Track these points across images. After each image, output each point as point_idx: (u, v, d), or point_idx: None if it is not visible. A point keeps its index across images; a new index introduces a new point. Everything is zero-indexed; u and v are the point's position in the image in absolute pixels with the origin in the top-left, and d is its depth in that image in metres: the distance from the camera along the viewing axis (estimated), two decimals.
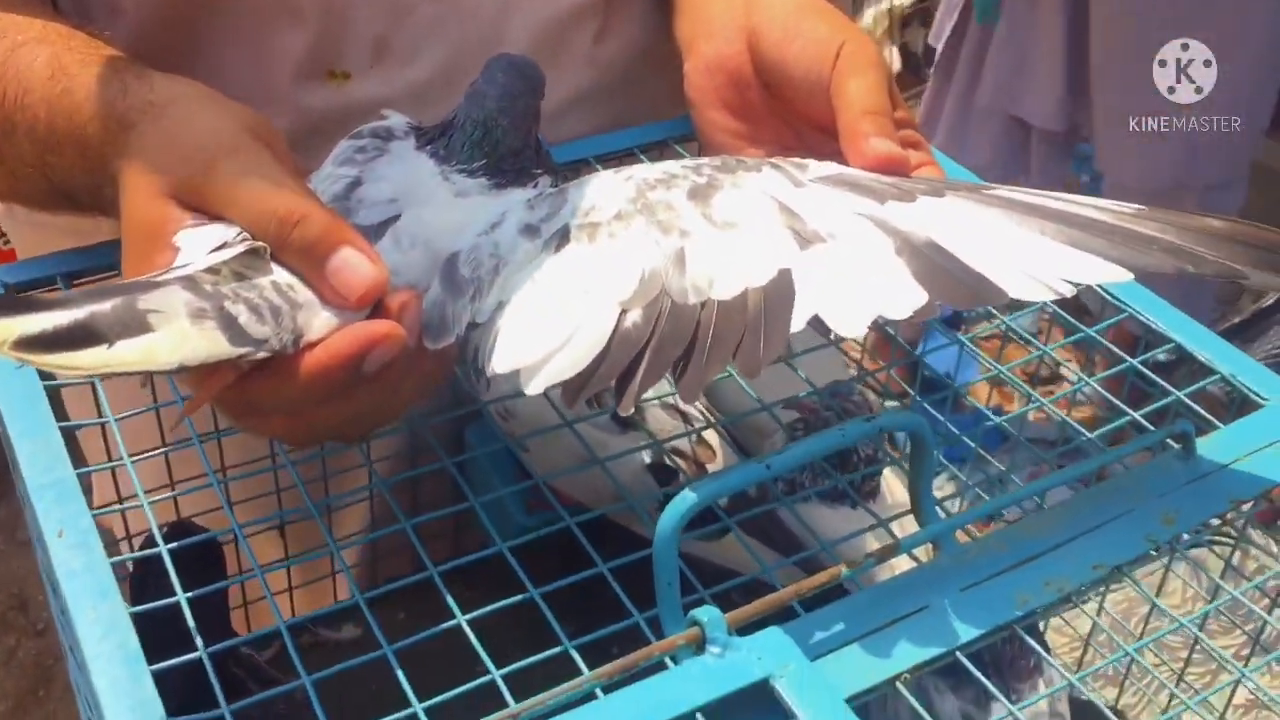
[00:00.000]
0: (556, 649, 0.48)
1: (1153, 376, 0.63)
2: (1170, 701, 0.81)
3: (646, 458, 0.69)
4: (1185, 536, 0.53)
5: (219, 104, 0.56)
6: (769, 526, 0.70)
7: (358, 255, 0.49)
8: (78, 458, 0.54)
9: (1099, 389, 0.63)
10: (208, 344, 0.45)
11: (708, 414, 0.74)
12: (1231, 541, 0.74)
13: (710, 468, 0.70)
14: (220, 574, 0.78)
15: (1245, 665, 0.74)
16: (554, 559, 0.55)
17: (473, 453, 0.75)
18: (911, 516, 0.52)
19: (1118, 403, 0.61)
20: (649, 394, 0.69)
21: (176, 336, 0.45)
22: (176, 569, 0.54)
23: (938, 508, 0.55)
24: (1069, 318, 0.68)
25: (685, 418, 0.71)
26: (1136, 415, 0.60)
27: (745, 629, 0.46)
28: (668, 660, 0.45)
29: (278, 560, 0.75)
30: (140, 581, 0.68)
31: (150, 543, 0.53)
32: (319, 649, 0.77)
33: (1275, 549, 0.98)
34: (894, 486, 0.73)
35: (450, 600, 0.50)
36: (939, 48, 1.94)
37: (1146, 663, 0.80)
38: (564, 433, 0.65)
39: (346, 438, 0.54)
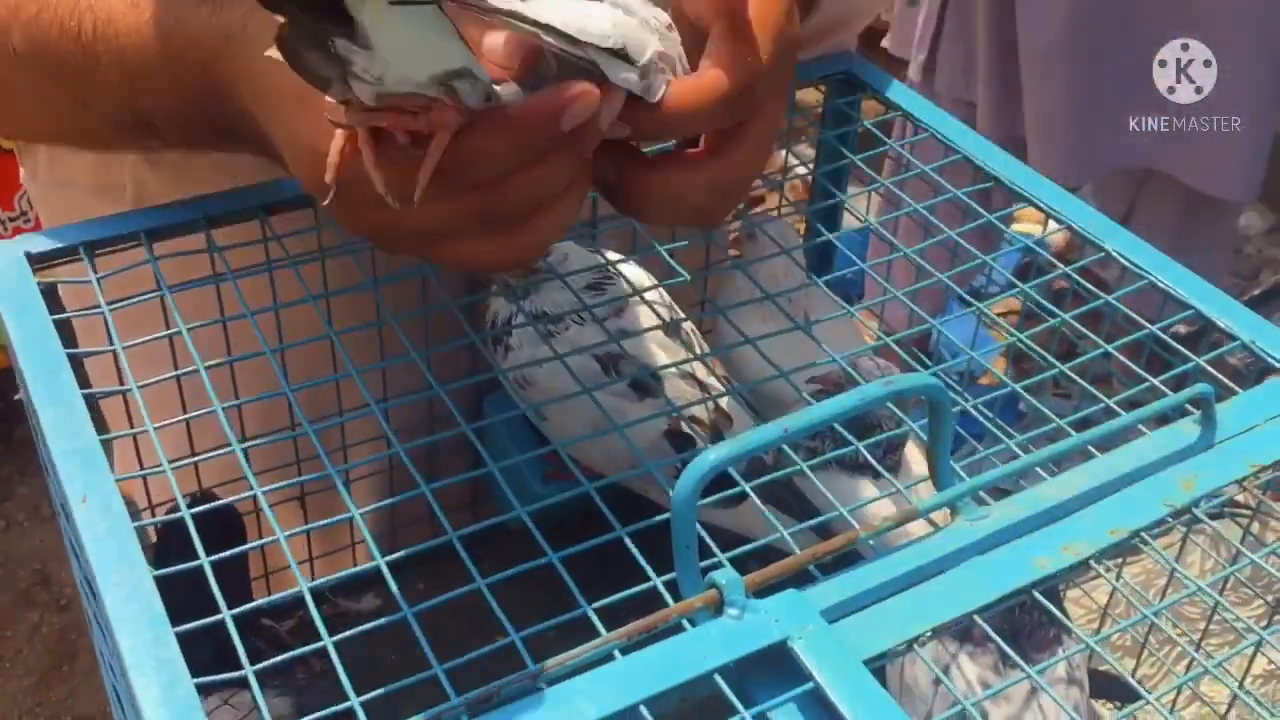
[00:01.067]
0: (576, 612, 0.48)
1: (1172, 343, 0.62)
2: (1190, 666, 0.81)
3: (664, 425, 0.69)
4: (1203, 505, 0.53)
5: None
6: (787, 494, 0.70)
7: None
8: (101, 428, 0.55)
9: (1118, 356, 0.63)
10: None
11: (726, 383, 0.74)
12: (1250, 511, 0.74)
13: (727, 435, 0.71)
14: (241, 542, 0.79)
15: (1267, 627, 0.74)
16: (572, 527, 0.55)
17: (490, 420, 0.76)
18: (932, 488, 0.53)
19: (1136, 369, 0.61)
20: (666, 362, 0.70)
21: None
22: (199, 537, 0.54)
23: (956, 473, 0.55)
24: (1089, 285, 0.68)
25: (703, 386, 0.71)
26: (1155, 381, 0.60)
27: (763, 593, 0.46)
28: (685, 623, 0.46)
29: (298, 528, 0.76)
30: (163, 550, 0.69)
31: (173, 511, 0.54)
32: (340, 619, 0.77)
33: None
34: (916, 459, 0.73)
35: (470, 564, 0.50)
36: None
37: (1165, 627, 0.80)
38: (581, 400, 0.66)
39: (521, 247, 0.51)
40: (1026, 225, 1.10)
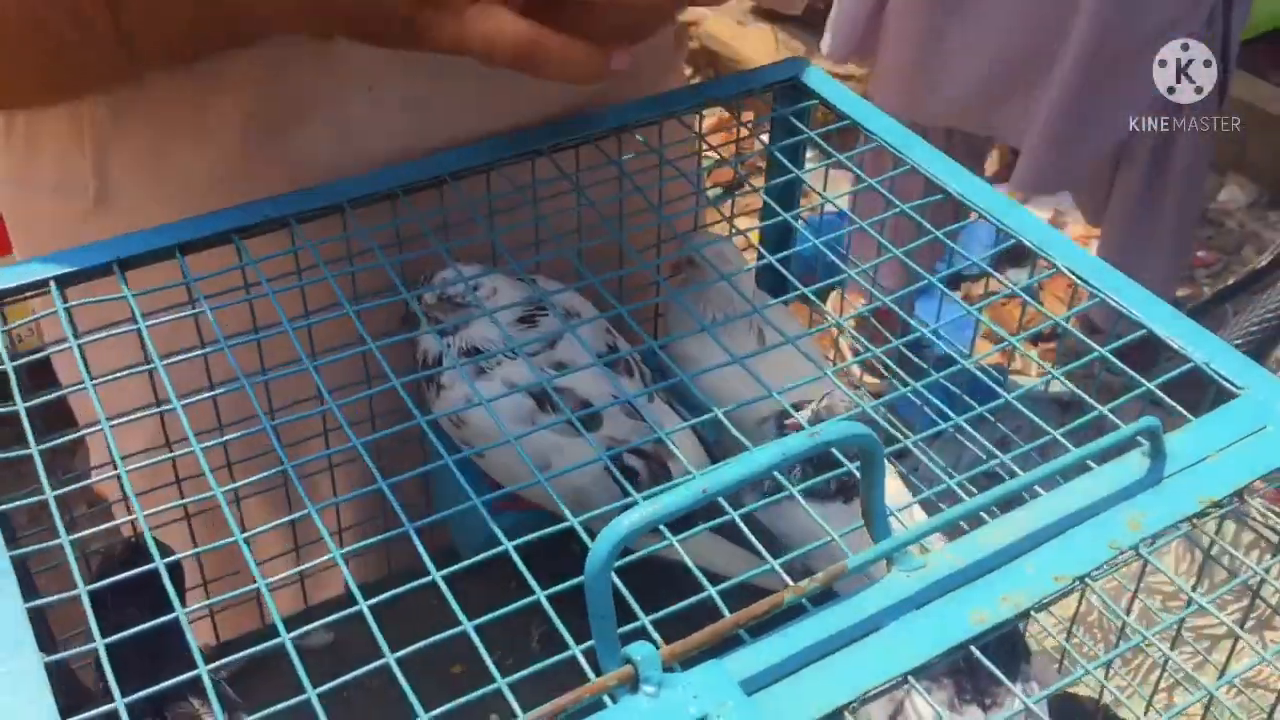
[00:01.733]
0: (491, 687, 0.46)
1: (1120, 366, 0.60)
2: (1161, 677, 0.79)
3: (605, 459, 0.67)
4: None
5: None
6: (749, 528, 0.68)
7: None
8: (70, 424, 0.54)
9: (1065, 382, 0.61)
10: None
11: (672, 410, 0.72)
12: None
13: (671, 466, 0.68)
14: (180, 586, 0.77)
15: (1238, 641, 0.72)
16: (540, 553, 0.54)
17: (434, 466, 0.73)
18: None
19: (1085, 397, 0.59)
20: (607, 394, 0.67)
21: None
22: (133, 588, 0.53)
23: (893, 516, 0.53)
24: (1038, 305, 0.65)
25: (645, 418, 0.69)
26: (1104, 410, 0.58)
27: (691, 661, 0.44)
28: (607, 699, 0.43)
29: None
30: (99, 598, 0.68)
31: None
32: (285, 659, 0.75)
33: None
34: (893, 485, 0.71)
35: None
36: None
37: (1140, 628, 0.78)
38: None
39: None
40: None
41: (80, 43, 0.62)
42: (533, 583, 0.50)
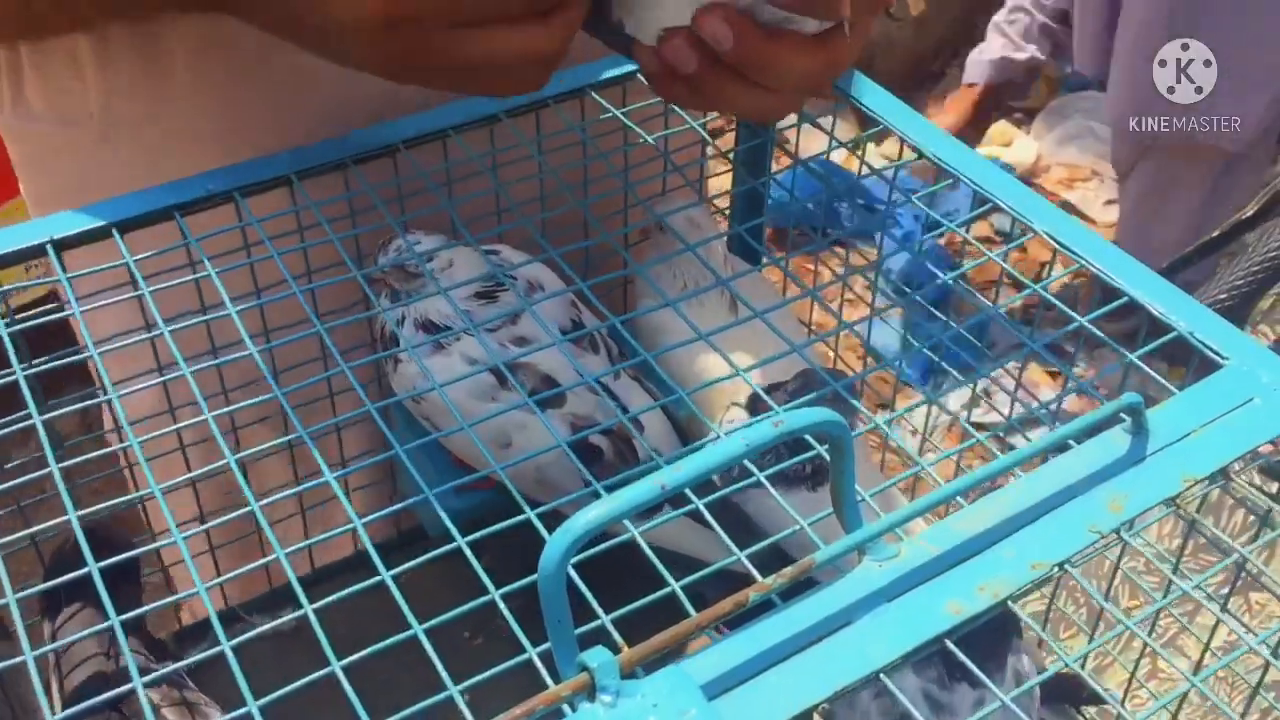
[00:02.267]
0: (441, 695, 0.44)
1: (1101, 336, 0.58)
2: (1145, 645, 0.78)
3: (565, 433, 0.65)
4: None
5: None
6: (718, 509, 0.66)
7: None
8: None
9: (1045, 354, 0.58)
10: None
11: (640, 385, 0.70)
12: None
13: (637, 444, 0.66)
14: (135, 573, 0.75)
15: (1225, 604, 0.71)
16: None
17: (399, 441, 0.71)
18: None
19: (1065, 369, 0.56)
20: (570, 369, 0.65)
21: None
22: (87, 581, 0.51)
23: (864, 501, 0.51)
24: (1019, 275, 0.63)
25: (611, 393, 0.67)
26: (1084, 385, 0.55)
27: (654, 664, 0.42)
28: (566, 707, 0.41)
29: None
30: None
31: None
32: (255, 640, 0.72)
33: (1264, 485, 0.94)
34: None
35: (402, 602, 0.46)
36: None
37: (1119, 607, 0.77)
38: (474, 412, 0.61)
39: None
40: None
41: None
42: (487, 581, 0.48)
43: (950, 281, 0.67)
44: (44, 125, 0.80)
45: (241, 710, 0.43)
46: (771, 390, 0.67)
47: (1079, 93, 2.96)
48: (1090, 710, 0.80)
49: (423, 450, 0.73)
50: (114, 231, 0.62)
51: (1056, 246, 0.62)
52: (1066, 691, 0.77)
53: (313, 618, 0.47)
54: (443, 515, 0.51)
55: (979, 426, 0.63)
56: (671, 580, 0.47)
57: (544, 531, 0.47)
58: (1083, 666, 0.48)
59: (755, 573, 0.47)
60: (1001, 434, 0.67)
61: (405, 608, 0.47)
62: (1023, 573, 0.47)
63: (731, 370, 0.59)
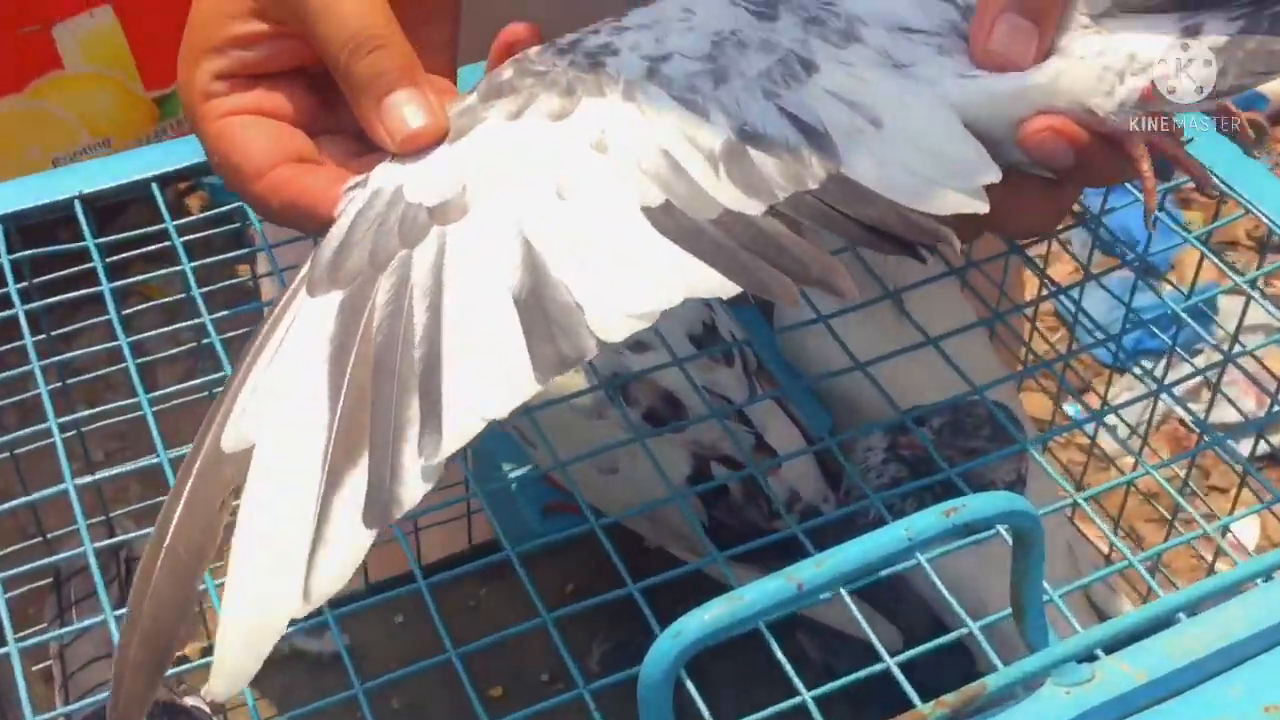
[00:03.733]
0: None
1: None
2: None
3: (686, 467, 0.56)
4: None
5: None
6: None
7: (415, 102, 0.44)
8: None
9: None
10: None
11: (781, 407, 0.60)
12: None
13: (773, 481, 0.56)
14: None
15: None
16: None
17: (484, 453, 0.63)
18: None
19: None
20: (693, 382, 0.56)
21: None
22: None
23: (1050, 601, 0.41)
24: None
25: (741, 416, 0.57)
26: None
27: None
28: None
29: None
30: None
31: None
32: (297, 660, 0.65)
33: None
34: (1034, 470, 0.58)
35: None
36: None
37: None
38: (577, 430, 0.53)
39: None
40: None
41: None
42: (626, 574, 0.40)
43: (1190, 239, 0.56)
44: None
45: None
46: (922, 422, 0.57)
47: None
48: None
49: (503, 454, 0.65)
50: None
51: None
52: None
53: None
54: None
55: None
56: (804, 691, 0.38)
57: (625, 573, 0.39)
58: None
59: (898, 673, 0.37)
60: (1234, 440, 0.55)
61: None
62: (1253, 719, 0.37)
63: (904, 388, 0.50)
